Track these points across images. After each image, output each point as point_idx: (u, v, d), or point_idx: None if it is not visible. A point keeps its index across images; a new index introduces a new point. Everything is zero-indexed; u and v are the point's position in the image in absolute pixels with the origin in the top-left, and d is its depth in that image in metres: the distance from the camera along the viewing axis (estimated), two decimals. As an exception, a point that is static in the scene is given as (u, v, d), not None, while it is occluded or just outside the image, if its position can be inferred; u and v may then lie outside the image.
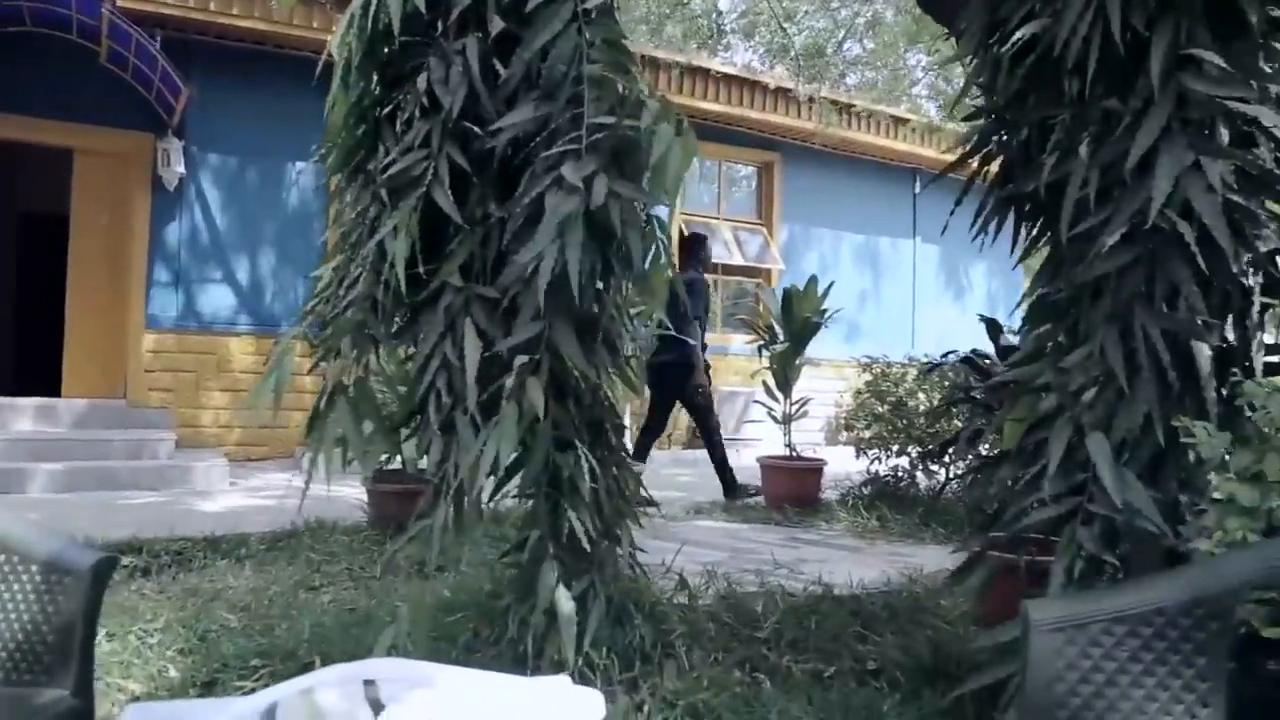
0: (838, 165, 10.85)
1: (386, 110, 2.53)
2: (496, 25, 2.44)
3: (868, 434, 5.56)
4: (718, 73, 9.52)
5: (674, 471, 8.47)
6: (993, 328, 3.18)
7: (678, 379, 5.48)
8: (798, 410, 5.44)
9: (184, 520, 5.24)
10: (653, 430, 5.84)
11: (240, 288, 8.00)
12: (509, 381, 2.29)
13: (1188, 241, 1.90)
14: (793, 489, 5.30)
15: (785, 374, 5.28)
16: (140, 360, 7.59)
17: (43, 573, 1.98)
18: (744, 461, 8.90)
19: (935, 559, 4.23)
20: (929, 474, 5.35)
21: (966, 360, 3.20)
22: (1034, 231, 2.51)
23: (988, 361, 3.23)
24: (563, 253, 2.21)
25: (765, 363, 5.45)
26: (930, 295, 11.66)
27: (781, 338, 5.24)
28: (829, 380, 9.90)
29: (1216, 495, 1.75)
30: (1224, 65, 1.89)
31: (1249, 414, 1.85)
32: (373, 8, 2.41)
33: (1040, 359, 2.43)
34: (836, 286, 10.74)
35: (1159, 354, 1.96)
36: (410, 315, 2.57)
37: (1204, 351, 1.97)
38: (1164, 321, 1.97)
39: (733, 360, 9.99)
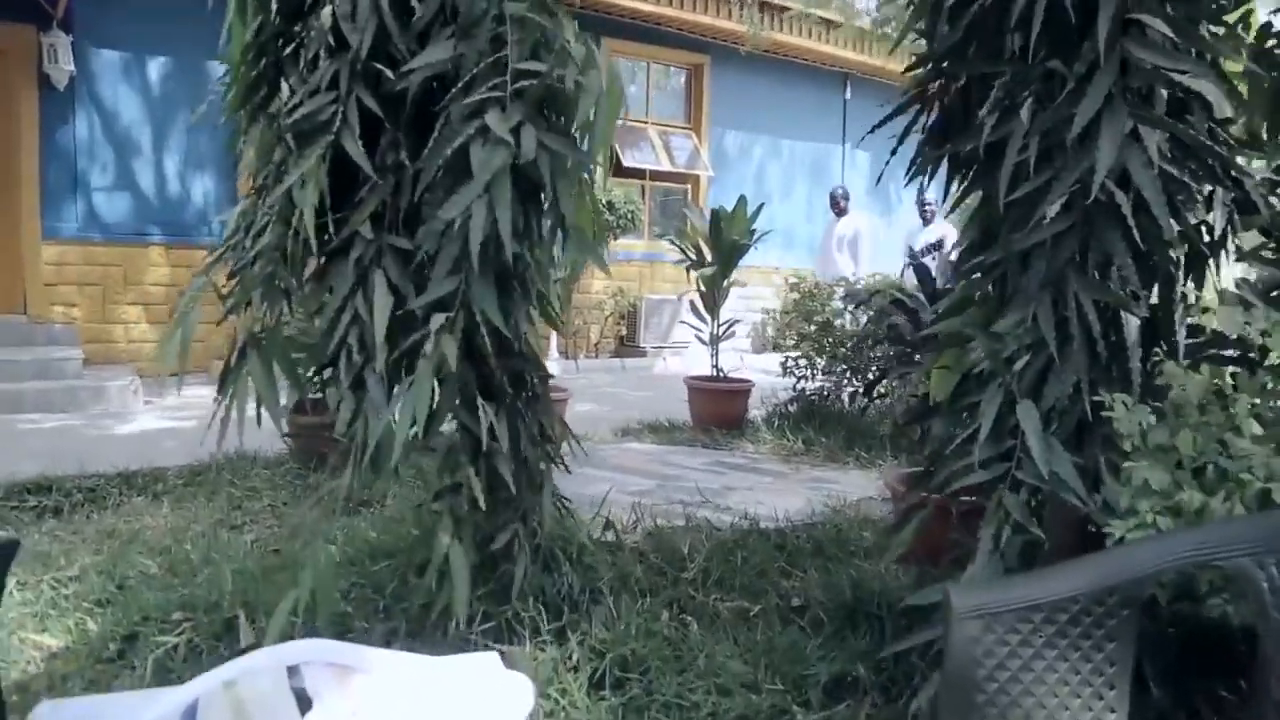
0: (768, 68, 10.63)
1: (290, 48, 2.33)
2: (409, -47, 2.25)
3: (795, 353, 5.59)
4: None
5: (602, 379, 8.49)
6: (921, 272, 3.19)
7: None
8: (725, 331, 5.44)
9: (97, 446, 5.07)
10: None
11: (146, 195, 7.57)
12: (426, 340, 2.20)
13: (1124, 213, 1.88)
14: (719, 410, 5.33)
15: (714, 296, 5.24)
16: (39, 273, 7.19)
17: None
18: (672, 369, 8.97)
19: (858, 485, 4.34)
20: (854, 397, 5.44)
21: (896, 302, 3.21)
22: (966, 183, 2.48)
23: (914, 299, 3.25)
24: (492, 210, 2.10)
25: (693, 284, 5.42)
26: (859, 202, 11.66)
27: (709, 259, 5.18)
28: (757, 287, 9.92)
29: (1131, 478, 1.78)
30: (1170, 35, 1.84)
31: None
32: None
33: (967, 308, 2.45)
34: (765, 192, 10.71)
35: (1090, 324, 1.97)
36: (321, 265, 2.44)
37: (1132, 323, 1.98)
38: (1097, 292, 1.97)
39: (659, 268, 9.92)
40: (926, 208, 8.02)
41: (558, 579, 2.78)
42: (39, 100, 7.09)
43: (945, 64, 2.38)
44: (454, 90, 2.19)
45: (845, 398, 5.49)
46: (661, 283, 9.87)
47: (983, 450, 2.08)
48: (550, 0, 2.26)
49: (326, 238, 2.40)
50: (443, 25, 2.30)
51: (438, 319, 2.17)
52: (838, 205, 8.62)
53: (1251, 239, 2.12)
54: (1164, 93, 1.99)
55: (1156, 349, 1.95)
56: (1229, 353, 2.10)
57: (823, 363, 5.57)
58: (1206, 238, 2.08)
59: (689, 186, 10.45)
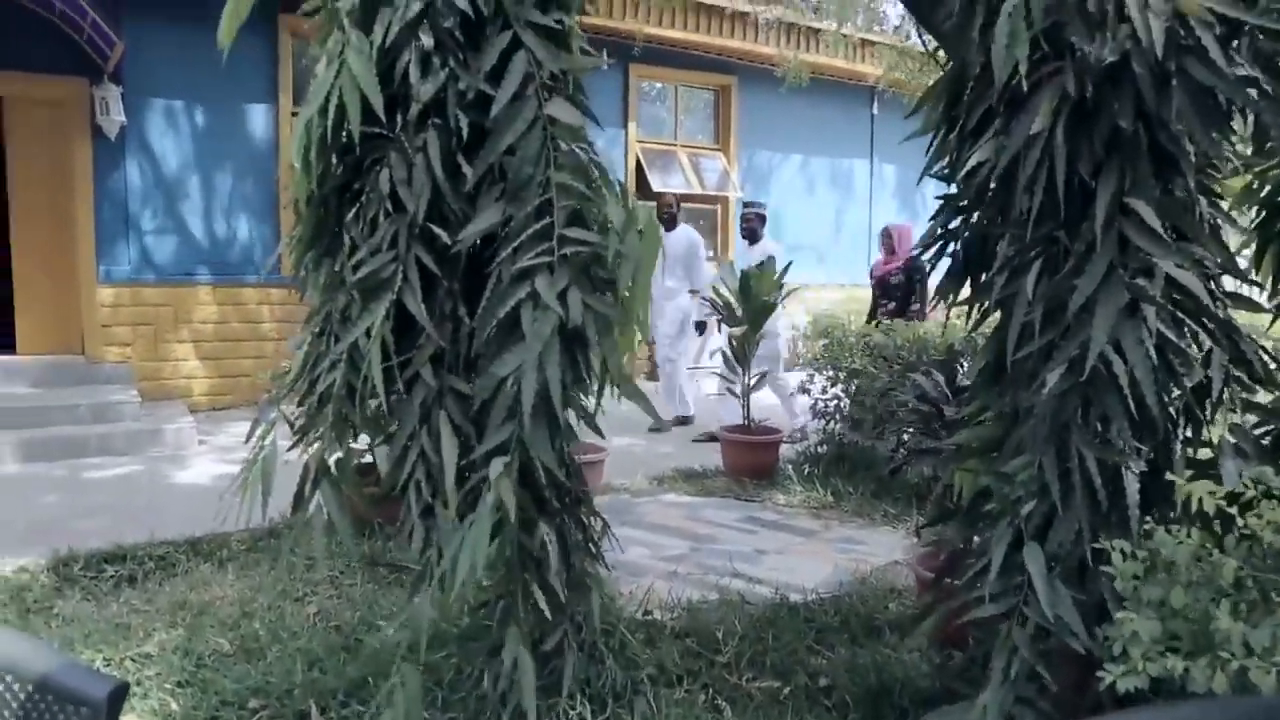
0: (796, 86, 10.72)
1: (351, 207, 2.54)
2: (461, 121, 2.44)
3: (824, 397, 5.78)
4: (676, -2, 9.28)
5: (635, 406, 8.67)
6: (948, 368, 3.36)
7: None
8: (755, 384, 5.63)
9: (160, 499, 5.36)
10: None
11: (194, 237, 7.87)
12: (486, 484, 2.40)
13: (1121, 383, 2.05)
14: (752, 461, 5.52)
15: (745, 350, 5.44)
16: (96, 315, 7.52)
17: (57, 702, 2.07)
18: (704, 391, 9.13)
19: (885, 546, 4.51)
20: (880, 436, 5.60)
21: (921, 396, 3.39)
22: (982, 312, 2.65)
23: (937, 386, 3.42)
24: (542, 369, 2.31)
25: (726, 337, 5.65)
26: (888, 215, 11.75)
27: (739, 313, 5.37)
28: (789, 303, 10.07)
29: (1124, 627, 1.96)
30: (1161, 233, 2.00)
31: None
32: (332, 107, 2.40)
33: (983, 413, 2.64)
34: (794, 209, 10.83)
35: (1092, 476, 2.14)
36: (386, 400, 2.65)
37: (1131, 478, 2.14)
38: (1098, 450, 2.14)
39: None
40: (752, 221, 7.14)
41: (602, 671, 3.00)
42: (92, 150, 7.40)
43: (964, 204, 2.55)
44: (504, 254, 2.39)
45: (873, 443, 5.66)
46: (692, 303, 10.03)
47: (993, 586, 2.27)
48: (592, 167, 2.45)
49: (389, 372, 2.61)
50: (491, 184, 2.50)
51: (497, 465, 2.37)
52: (669, 212, 7.39)
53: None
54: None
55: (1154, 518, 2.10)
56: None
57: (850, 405, 5.74)
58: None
59: (719, 207, 10.59)
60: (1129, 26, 2.00)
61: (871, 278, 6.90)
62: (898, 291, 6.56)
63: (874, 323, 6.28)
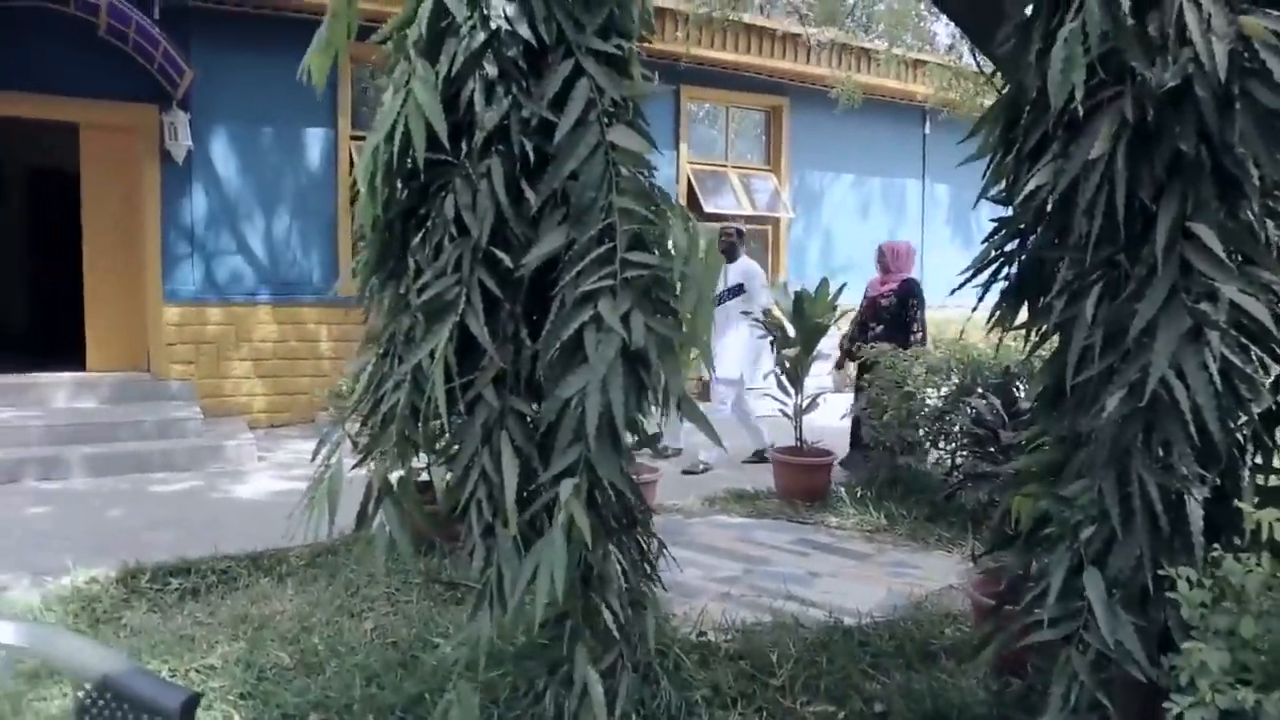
0: (847, 107, 10.72)
1: (417, 232, 2.61)
2: (525, 147, 2.50)
3: (877, 423, 5.73)
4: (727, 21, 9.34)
5: (686, 425, 8.70)
6: (1004, 392, 3.34)
7: None
8: (808, 406, 5.62)
9: (221, 513, 5.51)
10: None
11: (257, 259, 8.09)
12: (556, 506, 2.43)
13: (1183, 409, 2.03)
14: (804, 483, 5.51)
15: (797, 372, 5.44)
16: (162, 333, 7.75)
17: (132, 711, 2.13)
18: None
19: (939, 570, 4.47)
20: (935, 461, 5.55)
21: (977, 419, 3.37)
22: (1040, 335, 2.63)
23: (994, 410, 3.39)
24: (606, 391, 2.35)
25: (776, 358, 5.65)
26: (940, 236, 11.68)
27: (792, 334, 5.37)
28: (843, 324, 10.02)
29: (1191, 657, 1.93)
30: (1224, 257, 1.99)
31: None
32: (398, 135, 2.47)
33: (1041, 438, 2.62)
34: (845, 229, 10.80)
35: (1153, 502, 2.11)
36: (449, 421, 2.70)
37: (1194, 504, 2.11)
38: (1159, 476, 2.11)
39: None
40: (731, 236, 6.90)
41: (657, 692, 3.01)
42: (160, 174, 7.66)
43: (1021, 227, 2.55)
44: (566, 278, 2.44)
45: (927, 465, 5.60)
46: (742, 324, 10.04)
47: (1051, 610, 2.24)
48: (657, 194, 2.49)
49: (451, 392, 2.67)
50: (554, 209, 2.55)
51: (567, 486, 2.40)
52: None
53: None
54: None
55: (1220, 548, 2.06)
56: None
57: (905, 430, 5.68)
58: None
59: (770, 228, 10.59)
60: (1191, 50, 1.99)
61: (865, 297, 6.61)
62: (887, 315, 6.26)
63: (855, 346, 6.18)
